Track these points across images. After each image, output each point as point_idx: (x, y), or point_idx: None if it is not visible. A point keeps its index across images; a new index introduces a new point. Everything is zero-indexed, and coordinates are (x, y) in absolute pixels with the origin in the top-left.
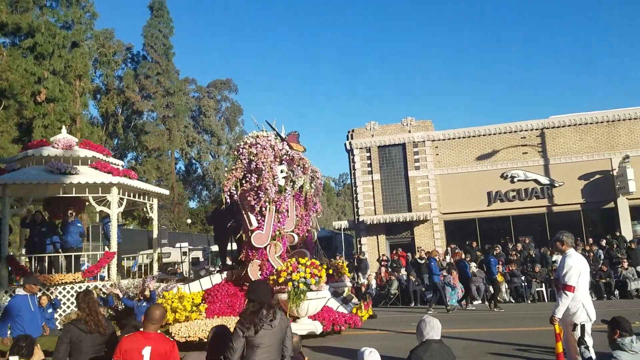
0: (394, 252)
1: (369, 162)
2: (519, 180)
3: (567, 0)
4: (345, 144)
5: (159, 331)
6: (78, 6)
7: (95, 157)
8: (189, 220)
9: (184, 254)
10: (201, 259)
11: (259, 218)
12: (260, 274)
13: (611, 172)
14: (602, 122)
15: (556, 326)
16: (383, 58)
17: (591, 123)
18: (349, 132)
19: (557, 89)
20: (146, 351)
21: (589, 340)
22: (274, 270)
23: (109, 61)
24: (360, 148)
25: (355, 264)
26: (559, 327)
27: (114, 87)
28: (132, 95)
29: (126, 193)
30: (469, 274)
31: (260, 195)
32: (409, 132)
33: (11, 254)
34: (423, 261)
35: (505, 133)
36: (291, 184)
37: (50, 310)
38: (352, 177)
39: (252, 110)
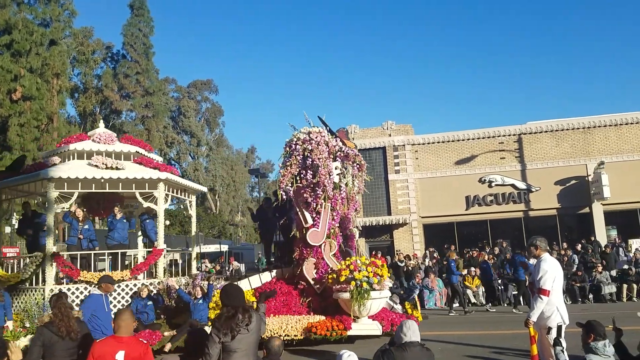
0: (373, 254)
1: None
2: (496, 185)
3: (543, 7)
4: None
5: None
6: (57, 4)
7: (138, 152)
8: (167, 222)
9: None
10: (179, 261)
11: (314, 215)
12: (315, 273)
13: (586, 178)
14: (577, 129)
15: (531, 329)
16: (363, 61)
17: (567, 129)
18: None
19: (534, 95)
20: (120, 355)
21: (563, 343)
22: (330, 269)
23: (87, 60)
24: None
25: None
26: (534, 330)
27: (92, 86)
28: (110, 94)
29: (171, 189)
30: (492, 276)
31: (318, 192)
32: (390, 135)
33: (55, 251)
34: (402, 264)
35: (483, 138)
36: (344, 181)
37: (150, 303)
38: None
39: (232, 112)
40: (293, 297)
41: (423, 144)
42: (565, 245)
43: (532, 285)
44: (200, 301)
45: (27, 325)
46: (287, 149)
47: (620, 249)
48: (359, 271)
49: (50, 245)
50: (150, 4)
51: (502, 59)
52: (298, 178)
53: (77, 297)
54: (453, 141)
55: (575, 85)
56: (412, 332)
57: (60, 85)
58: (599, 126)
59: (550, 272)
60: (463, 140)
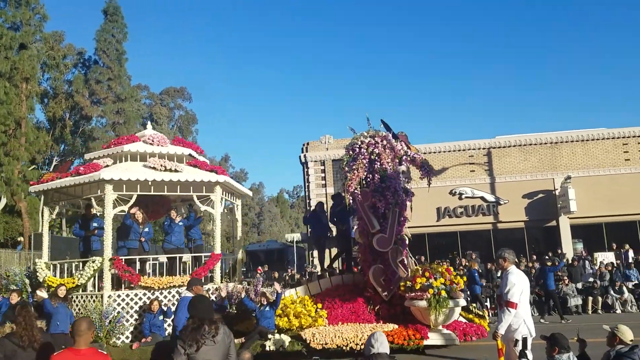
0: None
1: (323, 175)
2: (466, 197)
3: (515, 21)
4: (300, 157)
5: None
6: (27, 7)
7: (191, 154)
8: None
9: None
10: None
11: (380, 221)
12: (383, 280)
13: (554, 192)
14: (545, 144)
15: (499, 341)
16: (339, 71)
17: (535, 144)
18: (304, 144)
19: (504, 109)
20: None
21: (529, 354)
22: (397, 276)
23: (58, 64)
24: (315, 161)
25: (307, 277)
26: (501, 342)
27: (62, 91)
28: (81, 100)
29: (225, 193)
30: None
31: (388, 196)
32: None
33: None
34: None
35: (454, 151)
36: (409, 185)
37: (161, 317)
38: (306, 189)
39: (206, 120)
40: (360, 305)
41: None
42: (533, 257)
43: (499, 297)
44: (267, 308)
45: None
46: (351, 152)
47: (586, 262)
48: (436, 279)
49: (109, 250)
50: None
51: (474, 73)
52: (364, 182)
53: (136, 303)
54: (425, 153)
55: (544, 101)
56: (379, 344)
57: (29, 90)
58: (566, 141)
59: (518, 284)
60: (435, 152)
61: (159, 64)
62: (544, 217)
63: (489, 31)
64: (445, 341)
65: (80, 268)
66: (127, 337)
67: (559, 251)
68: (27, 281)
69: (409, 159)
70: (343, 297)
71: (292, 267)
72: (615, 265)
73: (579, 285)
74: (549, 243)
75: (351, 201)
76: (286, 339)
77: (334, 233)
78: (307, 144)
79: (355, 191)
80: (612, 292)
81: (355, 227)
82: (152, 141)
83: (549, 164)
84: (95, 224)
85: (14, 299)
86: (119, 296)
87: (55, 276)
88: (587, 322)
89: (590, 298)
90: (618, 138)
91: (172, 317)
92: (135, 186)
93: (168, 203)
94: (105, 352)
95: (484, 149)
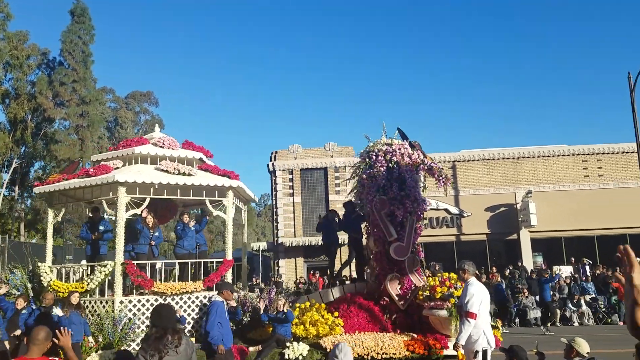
0: (311, 274)
1: (290, 184)
2: (431, 209)
3: (480, 34)
4: (268, 165)
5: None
6: None
7: (202, 158)
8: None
9: None
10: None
11: (398, 229)
12: (399, 288)
13: (515, 206)
14: (508, 159)
15: (459, 353)
16: (307, 80)
17: (498, 159)
18: (272, 153)
19: (469, 123)
20: None
21: None
22: (413, 285)
23: (21, 65)
24: (283, 170)
25: (273, 286)
26: (462, 353)
27: (25, 92)
28: (44, 101)
29: (236, 198)
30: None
31: (407, 205)
32: (331, 157)
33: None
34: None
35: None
36: (424, 194)
37: None
38: (274, 198)
39: (174, 126)
40: (376, 313)
41: None
42: (494, 269)
43: (459, 309)
44: (282, 317)
45: (100, 339)
46: (367, 159)
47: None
48: (456, 288)
49: (121, 254)
50: (93, 12)
51: (440, 86)
52: (381, 190)
53: (148, 309)
54: None
55: (507, 117)
56: (344, 355)
57: None
58: (528, 157)
59: (477, 295)
60: None
61: (125, 67)
62: (505, 230)
63: (456, 45)
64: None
65: (89, 272)
66: (137, 344)
67: (519, 264)
68: (29, 285)
69: (425, 167)
70: (358, 305)
71: (257, 276)
72: (573, 278)
73: (538, 298)
74: (510, 256)
75: (367, 209)
76: (304, 347)
77: (344, 241)
78: (276, 152)
79: (375, 199)
80: (570, 305)
81: (368, 235)
82: (163, 144)
83: (511, 178)
84: (102, 227)
85: (20, 304)
86: (130, 302)
87: (59, 281)
88: (545, 334)
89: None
90: (578, 155)
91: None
92: (148, 189)
93: (175, 207)
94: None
95: (449, 162)
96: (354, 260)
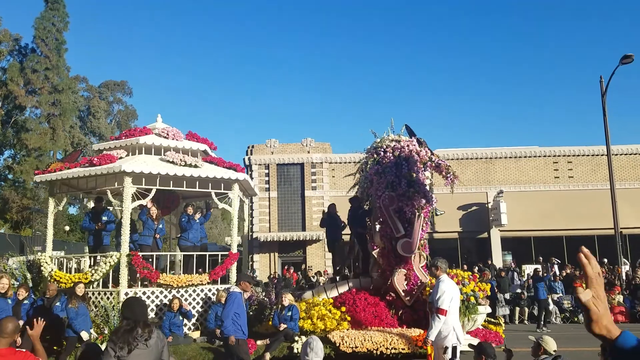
0: (285, 269)
1: (267, 179)
2: None
3: (454, 33)
4: (244, 159)
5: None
6: None
7: (206, 150)
8: (67, 227)
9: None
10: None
11: (405, 225)
12: (406, 284)
13: (487, 205)
14: (480, 158)
15: (429, 348)
16: (285, 75)
17: (471, 158)
18: (248, 147)
19: (443, 122)
20: None
21: None
22: (419, 281)
23: None
24: (259, 164)
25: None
26: (431, 348)
27: None
28: (15, 88)
29: (240, 191)
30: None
31: (416, 201)
32: (308, 152)
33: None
34: (315, 280)
35: None
36: (432, 191)
37: (180, 317)
38: None
39: (147, 116)
40: (382, 309)
41: (340, 162)
42: (465, 267)
43: (430, 305)
44: (288, 313)
45: (106, 331)
46: (375, 155)
47: (515, 274)
48: (464, 285)
49: (126, 245)
50: None
51: (416, 86)
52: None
53: (153, 301)
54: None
55: (480, 117)
56: (314, 354)
57: None
58: (500, 157)
59: (448, 292)
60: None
61: (100, 55)
62: (476, 228)
63: (429, 42)
64: (470, 347)
65: (92, 263)
66: None
67: (489, 262)
68: (28, 275)
69: (433, 164)
70: (367, 301)
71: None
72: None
73: (507, 296)
74: (480, 254)
75: (376, 205)
76: None
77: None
78: (252, 146)
79: (384, 195)
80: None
81: (370, 231)
82: (167, 134)
83: (483, 178)
84: (105, 218)
85: (22, 294)
86: (135, 294)
87: (65, 272)
88: (513, 332)
89: (518, 308)
90: (549, 156)
91: (221, 310)
92: (154, 180)
93: (177, 199)
94: (24, 351)
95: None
96: (355, 256)
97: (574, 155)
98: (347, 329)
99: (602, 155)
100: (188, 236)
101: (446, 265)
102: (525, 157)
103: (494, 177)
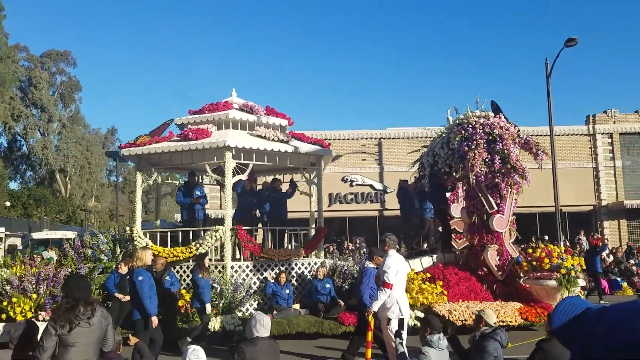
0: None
1: None
2: (357, 185)
3: (411, 17)
4: None
5: None
6: None
7: (286, 125)
8: (7, 203)
9: None
10: (19, 246)
11: (498, 201)
12: (498, 259)
13: None
14: (430, 137)
15: (370, 317)
16: (230, 50)
17: (421, 137)
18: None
19: (396, 101)
20: None
21: (404, 334)
22: (510, 256)
23: None
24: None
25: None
26: (372, 318)
27: None
28: None
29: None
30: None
31: (514, 177)
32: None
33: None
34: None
35: (347, 139)
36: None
37: (287, 291)
38: None
39: (92, 88)
40: (475, 283)
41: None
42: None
43: (377, 278)
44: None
45: (221, 305)
46: (463, 131)
47: None
48: (563, 260)
49: (229, 219)
50: None
51: (367, 64)
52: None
53: (255, 274)
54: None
55: (434, 96)
56: (261, 327)
57: None
58: None
59: (394, 267)
60: (330, 139)
61: (41, 23)
62: None
63: (383, 25)
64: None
65: (190, 237)
66: (246, 309)
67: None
68: (118, 250)
69: (521, 141)
70: (454, 275)
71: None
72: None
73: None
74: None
75: (474, 181)
76: (419, 315)
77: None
78: None
79: (479, 171)
80: None
81: (455, 206)
82: (251, 110)
83: None
84: (198, 192)
85: (123, 269)
86: (239, 267)
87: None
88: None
89: None
90: None
91: (321, 285)
92: (250, 155)
93: (253, 175)
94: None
95: (375, 138)
96: (426, 230)
97: None
98: (445, 303)
99: (545, 135)
100: (282, 212)
101: (395, 242)
102: None
103: None
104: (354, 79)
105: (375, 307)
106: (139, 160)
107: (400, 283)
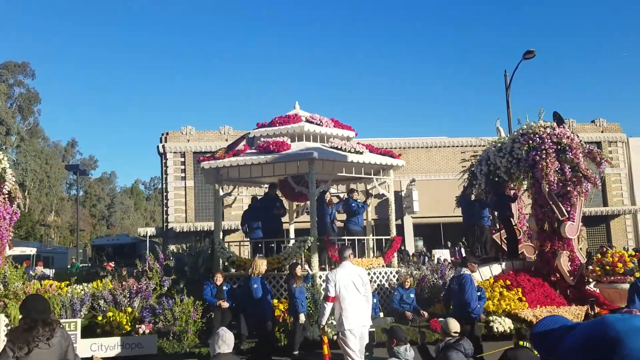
0: None
1: (182, 167)
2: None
3: (369, 26)
4: (158, 147)
5: None
6: None
7: (353, 137)
8: None
9: None
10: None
11: (568, 209)
12: (569, 265)
13: (400, 193)
14: (394, 148)
15: (322, 332)
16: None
17: (386, 148)
18: (163, 134)
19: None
20: None
21: (354, 346)
22: (579, 262)
23: None
24: (175, 152)
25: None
26: (324, 333)
27: None
28: None
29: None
30: None
31: (585, 185)
32: (226, 140)
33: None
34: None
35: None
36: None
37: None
38: (164, 181)
39: (51, 101)
40: (548, 289)
41: None
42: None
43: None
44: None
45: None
46: (530, 141)
47: (426, 258)
48: (634, 263)
49: (315, 229)
50: None
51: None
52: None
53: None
54: None
55: (396, 107)
56: (225, 345)
57: None
58: (412, 147)
59: (332, 280)
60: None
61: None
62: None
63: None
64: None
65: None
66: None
67: (402, 247)
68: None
69: (586, 151)
70: (527, 281)
71: (144, 263)
72: (450, 261)
73: None
74: None
75: (547, 189)
76: (509, 321)
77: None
78: (167, 133)
79: (553, 180)
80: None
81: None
82: (320, 122)
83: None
84: (277, 204)
85: (219, 279)
86: (326, 276)
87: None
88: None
89: None
90: (457, 147)
91: (404, 294)
92: (330, 167)
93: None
94: None
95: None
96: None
97: (479, 146)
98: (526, 309)
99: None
100: (358, 220)
101: (347, 253)
102: (435, 147)
103: (407, 166)
104: (320, 89)
105: (322, 321)
106: (217, 173)
107: (346, 295)
